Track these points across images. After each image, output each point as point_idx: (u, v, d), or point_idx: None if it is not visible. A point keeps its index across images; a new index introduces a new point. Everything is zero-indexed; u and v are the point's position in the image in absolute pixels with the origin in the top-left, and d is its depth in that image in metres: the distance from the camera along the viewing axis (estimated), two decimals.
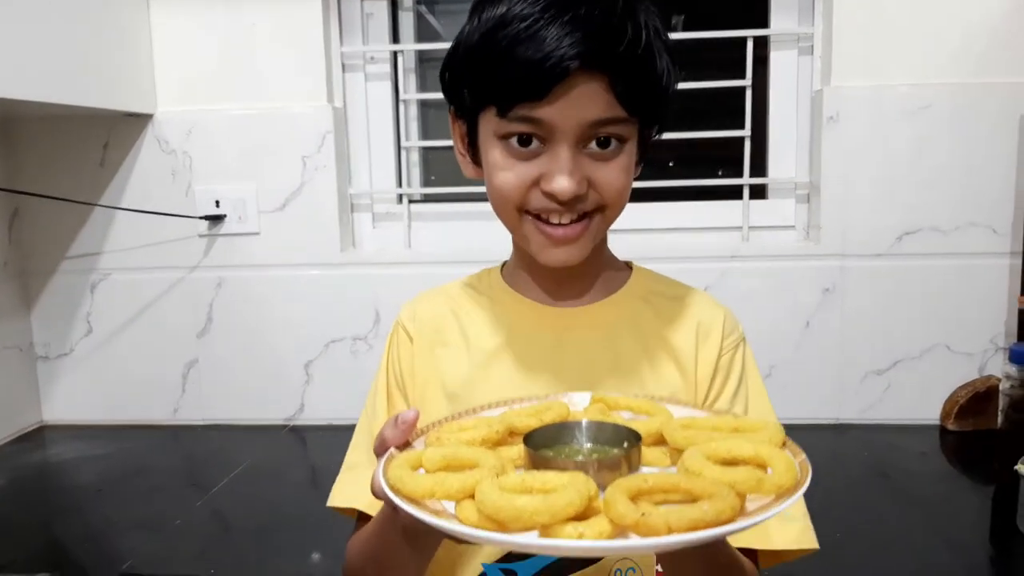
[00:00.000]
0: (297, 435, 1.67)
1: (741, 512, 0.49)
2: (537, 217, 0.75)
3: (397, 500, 0.52)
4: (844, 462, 1.46)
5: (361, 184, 1.73)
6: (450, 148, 1.70)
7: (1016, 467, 1.12)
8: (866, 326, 1.58)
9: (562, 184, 0.71)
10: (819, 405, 1.61)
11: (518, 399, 0.72)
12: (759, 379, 0.87)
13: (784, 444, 0.58)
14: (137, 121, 1.65)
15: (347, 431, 1.61)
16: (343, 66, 1.69)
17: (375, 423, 0.86)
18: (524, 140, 0.72)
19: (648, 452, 0.61)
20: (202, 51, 1.64)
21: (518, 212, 0.76)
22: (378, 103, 1.73)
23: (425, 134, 1.79)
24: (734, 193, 1.66)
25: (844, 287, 1.57)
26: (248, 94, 1.64)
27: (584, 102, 0.69)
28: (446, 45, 1.67)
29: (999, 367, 1.56)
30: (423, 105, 1.78)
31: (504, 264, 0.91)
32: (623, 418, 0.67)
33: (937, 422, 1.58)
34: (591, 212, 0.76)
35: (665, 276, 0.91)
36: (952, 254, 1.55)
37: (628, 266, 0.90)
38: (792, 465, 0.53)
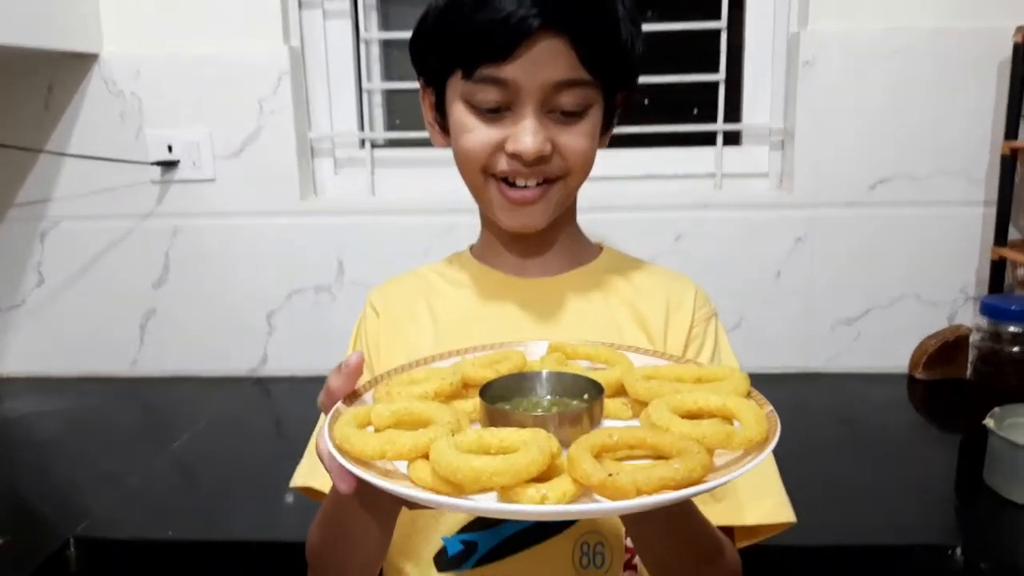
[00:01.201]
0: (261, 387, 1.64)
1: (711, 469, 0.47)
2: (503, 181, 0.76)
3: (343, 461, 0.50)
4: (811, 411, 1.46)
5: (321, 128, 1.67)
6: (415, 91, 1.65)
7: (984, 421, 1.12)
8: (837, 275, 1.56)
9: (526, 144, 0.72)
10: (788, 354, 1.60)
11: (471, 348, 0.71)
12: (732, 355, 0.87)
13: (749, 394, 0.56)
14: (82, 61, 1.56)
15: (312, 383, 1.58)
16: (299, 3, 1.61)
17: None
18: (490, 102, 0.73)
19: (609, 404, 0.59)
20: None
21: (483, 175, 0.77)
22: (338, 43, 1.65)
23: (388, 75, 1.71)
24: (707, 139, 1.62)
25: (815, 236, 1.55)
26: (200, 32, 1.55)
27: (547, 61, 0.70)
28: None
29: (969, 317, 1.56)
30: (386, 45, 1.70)
31: (472, 246, 0.92)
32: (582, 368, 0.65)
33: (905, 371, 1.58)
34: (554, 179, 0.77)
35: (636, 257, 0.91)
36: (926, 202, 1.53)
37: (599, 247, 0.91)
38: (762, 417, 0.51)
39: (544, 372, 0.62)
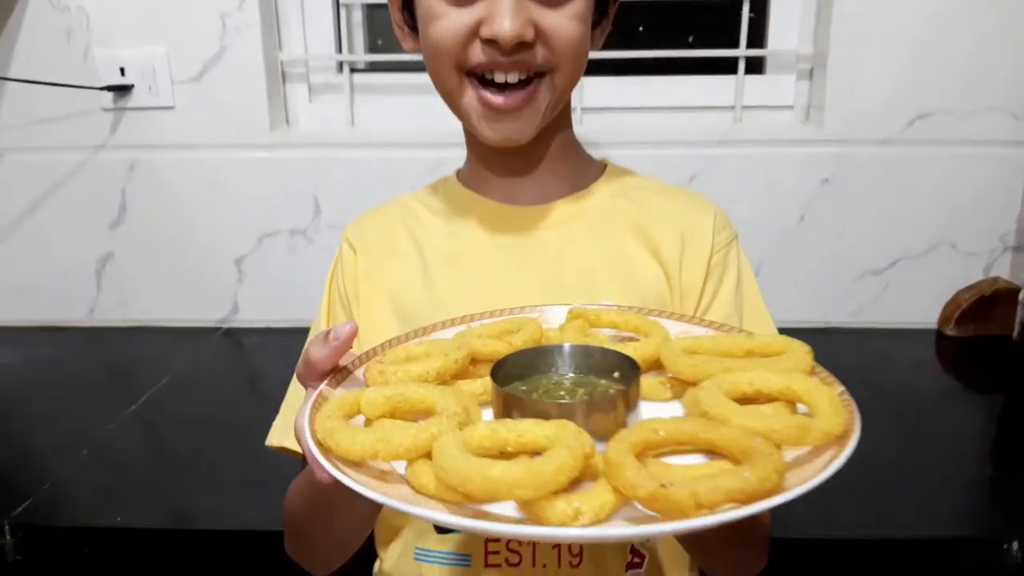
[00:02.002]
0: (232, 339, 1.50)
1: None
2: (481, 81, 0.68)
3: (328, 466, 0.41)
4: (831, 369, 1.31)
5: (294, 50, 1.48)
6: None
7: None
8: (865, 221, 1.42)
9: (503, 26, 0.63)
10: (807, 307, 1.46)
11: (478, 315, 0.62)
12: (756, 285, 0.78)
13: (812, 370, 0.48)
14: None
15: (287, 335, 1.48)
16: None
17: None
18: None
19: (644, 383, 0.49)
20: None
21: (458, 73, 0.68)
22: None
23: None
24: (726, 67, 1.44)
25: (845, 177, 1.40)
26: None
27: None
28: None
29: (1007, 269, 1.42)
30: None
31: (459, 171, 0.82)
32: (607, 338, 0.55)
33: (933, 327, 1.45)
34: (539, 75, 0.68)
35: (644, 176, 0.81)
36: (967, 141, 1.37)
37: (603, 164, 0.81)
38: (838, 404, 0.43)
39: (567, 346, 0.52)
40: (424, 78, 1.46)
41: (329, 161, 1.43)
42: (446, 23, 0.66)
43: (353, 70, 1.49)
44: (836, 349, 1.42)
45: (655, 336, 0.54)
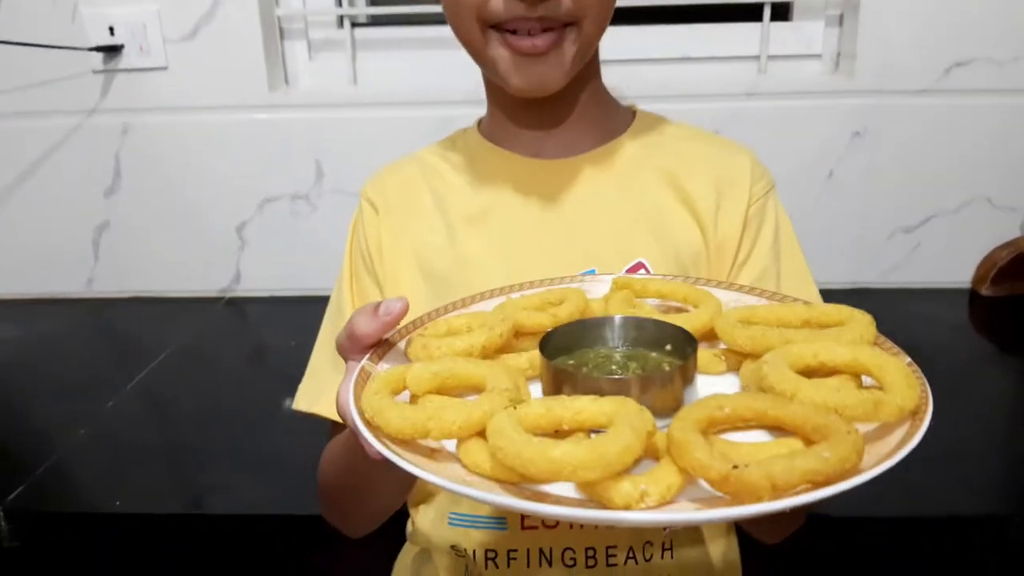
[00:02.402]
0: (235, 308, 1.45)
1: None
2: (504, 32, 0.64)
3: (377, 444, 0.40)
4: None
5: (292, 4, 1.40)
6: None
7: None
8: (898, 176, 1.34)
9: None
10: (836, 266, 1.39)
11: (517, 286, 0.60)
12: (794, 237, 0.74)
13: (876, 341, 0.46)
14: None
15: (292, 304, 1.43)
16: None
17: (340, 318, 0.77)
18: None
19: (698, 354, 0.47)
20: None
21: (481, 28, 0.65)
22: None
23: None
24: (750, 13, 1.36)
25: (878, 130, 1.32)
26: None
27: None
28: None
29: None
30: None
31: (480, 121, 0.79)
32: (654, 308, 0.54)
33: (967, 286, 1.39)
34: (564, 25, 0.64)
35: (675, 121, 0.77)
36: (1008, 90, 1.29)
37: (632, 112, 0.76)
38: (911, 378, 0.41)
39: (617, 317, 0.50)
40: (430, 32, 1.40)
41: (331, 122, 1.36)
42: None
43: (354, 24, 1.41)
44: (867, 310, 1.35)
45: (707, 306, 0.52)
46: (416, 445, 0.42)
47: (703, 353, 0.47)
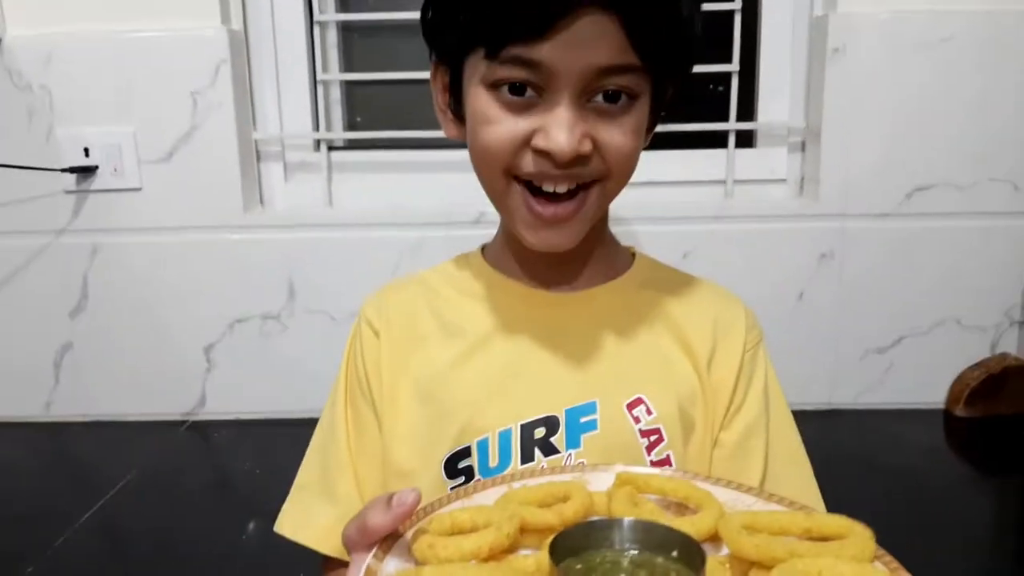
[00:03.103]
0: (198, 432, 1.40)
1: None
2: (528, 186, 0.65)
3: None
4: (836, 454, 1.26)
5: (269, 128, 1.43)
6: (379, 83, 1.38)
7: None
8: (867, 298, 1.36)
9: (560, 141, 0.60)
10: (811, 388, 1.39)
11: (518, 474, 0.61)
12: (779, 386, 0.77)
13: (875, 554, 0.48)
14: None
15: (259, 426, 1.39)
16: None
17: (332, 441, 0.76)
18: (517, 88, 0.61)
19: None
20: None
21: (506, 177, 0.65)
22: (287, 25, 1.40)
23: (348, 65, 1.47)
24: (716, 140, 1.40)
25: (844, 252, 1.35)
26: (121, 12, 1.31)
27: (590, 43, 0.58)
28: None
29: (1014, 344, 1.37)
30: (345, 29, 1.46)
31: (485, 247, 0.80)
32: (656, 506, 0.56)
33: (941, 407, 1.39)
34: (589, 183, 0.65)
35: (671, 266, 0.80)
36: (968, 214, 1.33)
37: (631, 253, 0.79)
38: None
39: (626, 520, 0.50)
40: (404, 156, 1.43)
41: (305, 242, 1.36)
42: (499, 129, 0.63)
43: (330, 148, 1.44)
44: (842, 432, 1.35)
45: (711, 510, 0.54)
46: None
47: (710, 561, 0.48)
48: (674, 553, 0.47)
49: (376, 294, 0.80)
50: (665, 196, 1.42)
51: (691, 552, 0.46)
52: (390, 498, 0.51)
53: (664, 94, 0.68)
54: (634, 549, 0.49)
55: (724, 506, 0.54)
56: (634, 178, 1.50)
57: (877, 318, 1.37)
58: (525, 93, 0.61)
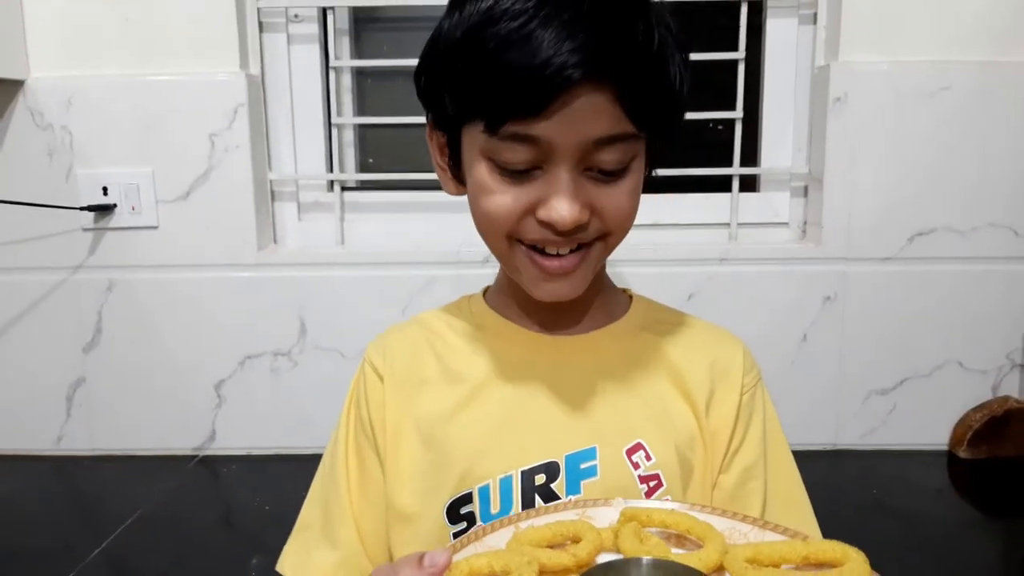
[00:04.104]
0: (208, 468, 1.41)
1: None
2: (531, 247, 0.67)
3: None
4: (842, 494, 1.28)
5: (283, 168, 1.46)
6: (391, 126, 1.42)
7: None
8: (870, 340, 1.38)
9: (562, 213, 0.62)
10: (814, 428, 1.41)
11: (524, 515, 0.62)
12: (779, 425, 0.78)
13: None
14: (4, 89, 1.34)
15: (268, 462, 1.40)
16: (260, 24, 1.41)
17: (333, 486, 0.78)
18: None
19: None
20: (86, 2, 1.34)
21: (509, 240, 0.68)
22: (303, 70, 1.45)
23: (361, 109, 1.51)
24: (721, 185, 1.44)
25: (847, 295, 1.37)
26: (142, 56, 1.35)
27: (587, 117, 0.60)
28: (386, 2, 1.42)
29: (1015, 387, 1.39)
30: (359, 74, 1.50)
31: (486, 289, 0.82)
32: (660, 540, 0.58)
33: (946, 448, 1.40)
34: (591, 241, 0.68)
35: (667, 306, 0.82)
36: (969, 258, 1.36)
37: (627, 295, 0.81)
38: None
39: (644, 560, 0.54)
40: (414, 197, 1.46)
41: (317, 280, 1.39)
42: (500, 199, 0.64)
43: (344, 188, 1.47)
44: (847, 472, 1.36)
45: (714, 543, 0.56)
46: None
47: None
48: None
49: (379, 337, 0.81)
50: (671, 238, 1.45)
51: None
52: (421, 557, 0.52)
53: (656, 150, 0.70)
54: None
55: (724, 536, 0.57)
56: (641, 220, 1.53)
57: (880, 360, 1.39)
58: (526, 166, 0.63)
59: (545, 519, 0.60)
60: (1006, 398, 1.37)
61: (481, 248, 1.30)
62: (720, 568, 0.54)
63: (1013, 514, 1.21)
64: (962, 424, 1.38)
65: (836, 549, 0.54)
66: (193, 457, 1.43)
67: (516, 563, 0.52)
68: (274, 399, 1.40)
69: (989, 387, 1.40)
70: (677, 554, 0.57)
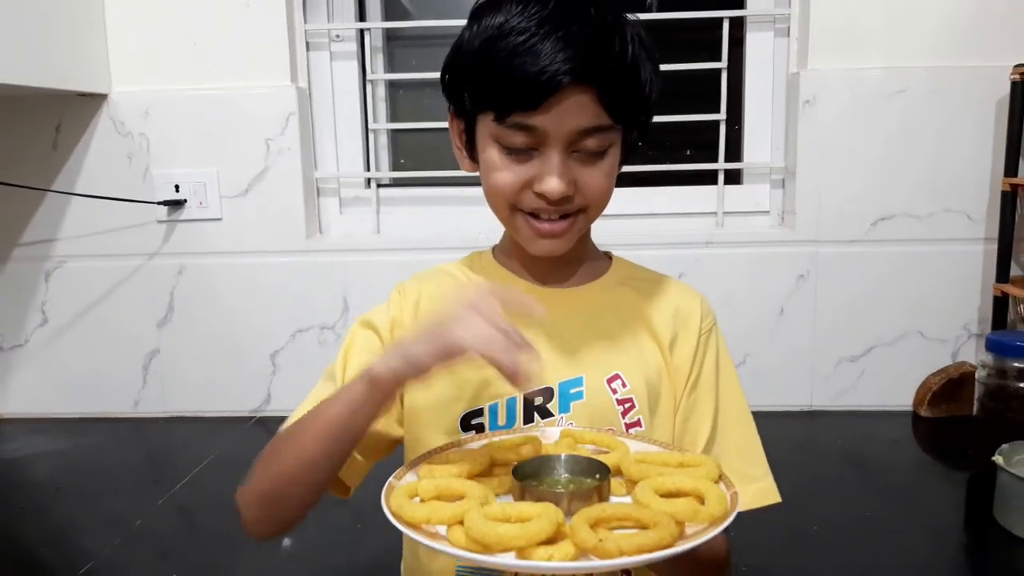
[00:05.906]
0: (263, 427, 1.62)
1: (681, 537, 0.59)
2: (530, 214, 0.82)
3: (398, 524, 0.61)
4: (817, 449, 1.46)
5: (327, 168, 1.68)
6: (419, 130, 1.65)
7: (993, 458, 1.11)
8: (840, 312, 1.57)
9: (552, 185, 0.77)
10: (792, 392, 1.60)
11: (496, 433, 0.80)
12: (730, 361, 0.92)
13: (720, 478, 0.68)
14: (91, 101, 1.58)
15: None
16: (307, 44, 1.64)
17: (329, 384, 0.91)
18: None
19: (612, 482, 0.69)
20: (159, 27, 1.57)
21: (510, 209, 0.82)
22: (344, 83, 1.67)
23: (394, 116, 1.73)
24: (709, 178, 1.63)
25: (818, 273, 1.56)
26: (208, 73, 1.58)
27: (574, 111, 0.75)
28: (414, 24, 1.64)
29: (972, 353, 1.56)
30: (391, 86, 1.72)
31: (494, 248, 0.95)
32: (588, 451, 0.75)
33: (910, 408, 1.58)
34: (575, 212, 0.82)
35: (642, 265, 0.97)
36: (927, 240, 1.54)
37: (608, 256, 0.96)
38: (723, 498, 0.63)
39: (563, 455, 0.72)
40: (439, 192, 1.68)
41: (357, 264, 1.61)
42: (505, 175, 0.79)
43: (379, 185, 1.69)
44: (821, 430, 1.54)
45: (619, 451, 0.74)
46: (423, 529, 0.61)
47: (613, 480, 0.69)
48: (597, 476, 0.68)
49: (410, 279, 0.96)
50: (665, 226, 1.64)
51: (604, 474, 0.68)
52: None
53: (630, 140, 0.86)
54: (568, 474, 0.71)
55: (631, 451, 0.74)
56: (639, 210, 1.73)
57: (849, 330, 1.57)
58: (525, 147, 0.80)
59: (510, 436, 0.77)
60: (962, 363, 1.55)
61: (496, 234, 1.51)
62: (620, 468, 0.70)
63: (966, 464, 1.37)
64: (923, 387, 1.56)
65: (700, 459, 0.70)
66: (251, 418, 1.65)
67: (477, 455, 0.70)
68: (321, 367, 1.60)
69: (948, 354, 1.57)
70: (588, 450, 0.75)
